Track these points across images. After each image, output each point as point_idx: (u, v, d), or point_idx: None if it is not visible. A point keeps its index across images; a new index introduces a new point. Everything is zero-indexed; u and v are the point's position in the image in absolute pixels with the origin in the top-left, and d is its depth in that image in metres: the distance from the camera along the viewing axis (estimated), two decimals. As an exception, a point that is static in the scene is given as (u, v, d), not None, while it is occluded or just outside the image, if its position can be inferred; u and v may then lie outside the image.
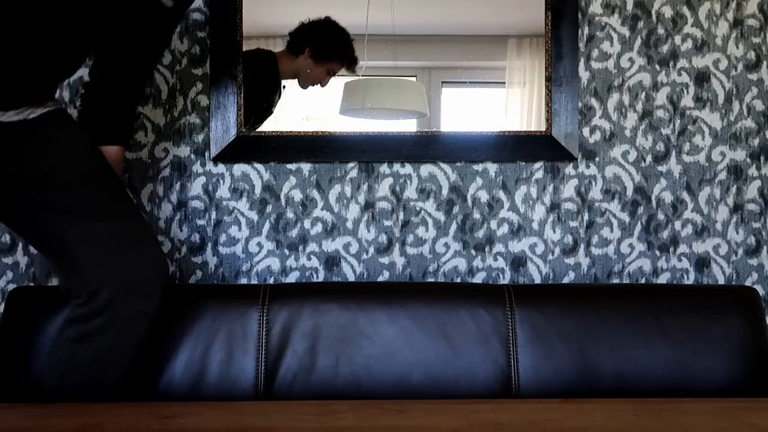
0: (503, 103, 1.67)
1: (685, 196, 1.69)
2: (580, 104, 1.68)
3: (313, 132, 1.66)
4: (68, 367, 1.14)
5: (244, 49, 1.63)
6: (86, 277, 1.10)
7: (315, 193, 1.67)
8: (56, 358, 1.17)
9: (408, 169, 1.69)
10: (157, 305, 1.15)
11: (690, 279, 1.69)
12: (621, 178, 1.69)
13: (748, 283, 1.69)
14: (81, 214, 1.11)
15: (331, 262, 1.68)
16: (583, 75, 1.69)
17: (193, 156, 1.67)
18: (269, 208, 1.67)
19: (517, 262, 1.69)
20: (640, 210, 1.69)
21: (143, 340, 1.16)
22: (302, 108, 1.69)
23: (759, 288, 1.67)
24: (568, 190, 1.69)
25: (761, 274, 1.69)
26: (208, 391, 1.35)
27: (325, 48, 1.65)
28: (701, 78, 1.69)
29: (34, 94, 1.12)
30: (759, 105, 1.69)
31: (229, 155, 1.64)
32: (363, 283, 1.65)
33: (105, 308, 1.10)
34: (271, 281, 1.67)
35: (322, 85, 1.64)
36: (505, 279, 1.69)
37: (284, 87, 1.66)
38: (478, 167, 1.69)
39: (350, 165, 1.67)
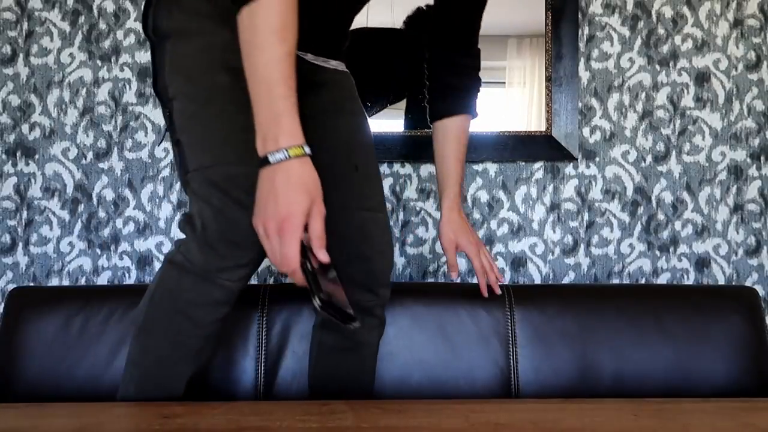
0: (503, 103, 1.67)
1: (686, 196, 1.69)
2: (580, 104, 1.68)
3: (313, 132, 1.66)
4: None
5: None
6: None
7: (315, 193, 1.67)
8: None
9: (408, 168, 1.68)
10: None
11: (690, 279, 1.69)
12: (621, 178, 1.69)
13: (748, 283, 1.69)
14: None
15: (331, 262, 1.68)
16: (583, 75, 1.68)
17: (193, 156, 1.67)
18: (269, 208, 1.67)
19: (517, 262, 1.69)
20: (640, 210, 1.69)
21: None
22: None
23: (759, 288, 1.67)
24: (568, 190, 1.69)
25: (761, 275, 1.69)
26: (209, 391, 1.35)
27: None
28: (701, 78, 1.69)
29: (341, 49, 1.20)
30: (759, 105, 1.69)
31: (229, 155, 1.64)
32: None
33: None
34: (271, 281, 1.67)
35: None
36: (505, 279, 1.69)
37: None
38: (478, 167, 1.69)
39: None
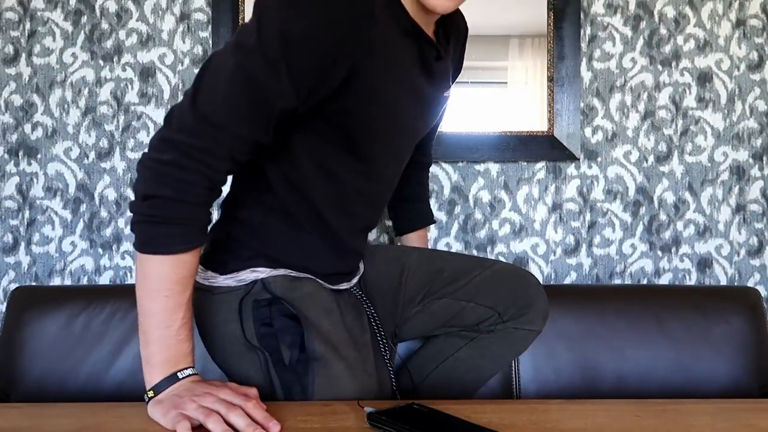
0: (505, 103, 1.67)
1: (687, 196, 1.69)
2: (582, 104, 1.68)
3: (314, 132, 1.66)
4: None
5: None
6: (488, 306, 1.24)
7: (317, 193, 1.67)
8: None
9: (410, 169, 1.68)
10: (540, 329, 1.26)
11: (692, 280, 1.69)
12: (623, 178, 1.69)
13: (750, 283, 1.69)
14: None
15: (333, 262, 1.68)
16: (585, 75, 1.68)
17: (194, 156, 1.67)
18: (271, 208, 1.67)
19: (519, 263, 1.69)
20: (642, 210, 1.69)
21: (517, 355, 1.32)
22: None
23: (761, 289, 1.66)
24: (570, 190, 1.69)
25: (763, 275, 1.69)
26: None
27: None
28: (703, 78, 1.69)
29: None
30: (762, 105, 1.69)
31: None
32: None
33: (507, 324, 1.24)
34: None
35: None
36: (507, 279, 1.69)
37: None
38: (480, 167, 1.69)
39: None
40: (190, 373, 0.92)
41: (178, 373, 0.91)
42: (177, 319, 0.92)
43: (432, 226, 1.68)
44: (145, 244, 0.92)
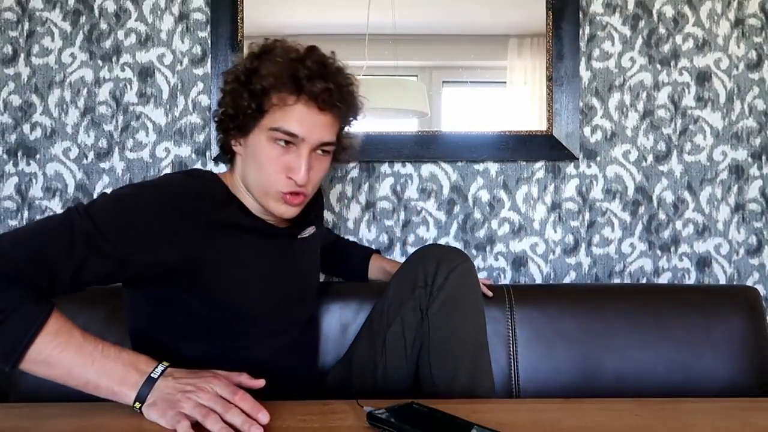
0: (504, 103, 1.67)
1: (686, 195, 1.69)
2: (581, 104, 1.68)
3: (313, 132, 1.65)
4: None
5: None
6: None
7: (316, 193, 1.67)
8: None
9: (409, 168, 1.68)
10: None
11: (691, 279, 1.69)
12: (622, 177, 1.69)
13: (749, 282, 1.69)
14: None
15: (332, 261, 1.68)
16: (584, 74, 1.68)
17: (194, 156, 1.67)
18: (270, 208, 1.67)
19: (518, 262, 1.69)
20: (641, 209, 1.69)
21: None
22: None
23: (760, 288, 1.67)
24: (569, 189, 1.69)
25: (762, 274, 1.69)
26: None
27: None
28: (702, 77, 1.69)
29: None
30: (760, 104, 1.69)
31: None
32: (364, 283, 1.65)
33: (434, 286, 1.19)
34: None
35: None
36: (506, 278, 1.69)
37: None
38: (479, 167, 1.69)
39: (351, 165, 1.67)
40: (163, 369, 0.92)
41: (152, 374, 0.91)
42: (91, 352, 0.91)
43: (432, 226, 1.68)
44: (6, 356, 0.91)
